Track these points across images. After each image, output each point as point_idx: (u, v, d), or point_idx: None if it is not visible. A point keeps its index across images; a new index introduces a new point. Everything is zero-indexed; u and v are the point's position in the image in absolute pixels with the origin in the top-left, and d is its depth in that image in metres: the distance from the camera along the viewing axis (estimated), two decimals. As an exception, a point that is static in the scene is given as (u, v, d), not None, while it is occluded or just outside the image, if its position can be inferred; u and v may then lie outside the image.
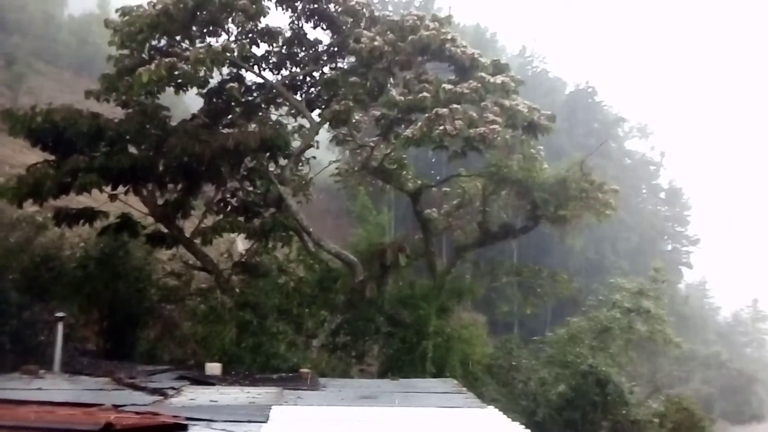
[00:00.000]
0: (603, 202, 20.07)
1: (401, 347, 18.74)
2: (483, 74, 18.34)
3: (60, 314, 13.28)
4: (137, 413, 7.62)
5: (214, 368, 13.82)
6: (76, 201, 18.22)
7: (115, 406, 8.30)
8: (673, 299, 43.11)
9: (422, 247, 21.74)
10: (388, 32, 18.72)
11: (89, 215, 18.01)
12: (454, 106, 17.09)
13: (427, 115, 17.16)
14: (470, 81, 17.97)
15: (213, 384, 12.26)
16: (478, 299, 23.85)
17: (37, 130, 16.82)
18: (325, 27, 21.07)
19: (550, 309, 34.84)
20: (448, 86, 17.75)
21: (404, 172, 22.17)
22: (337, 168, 24.00)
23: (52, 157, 17.60)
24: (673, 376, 38.32)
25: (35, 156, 18.85)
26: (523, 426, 8.79)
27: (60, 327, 12.93)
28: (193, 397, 10.45)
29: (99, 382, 11.67)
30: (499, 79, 18.32)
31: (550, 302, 25.00)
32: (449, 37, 18.66)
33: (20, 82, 47.92)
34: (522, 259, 30.11)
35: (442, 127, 16.68)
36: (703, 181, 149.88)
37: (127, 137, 17.96)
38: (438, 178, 25.05)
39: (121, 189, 17.95)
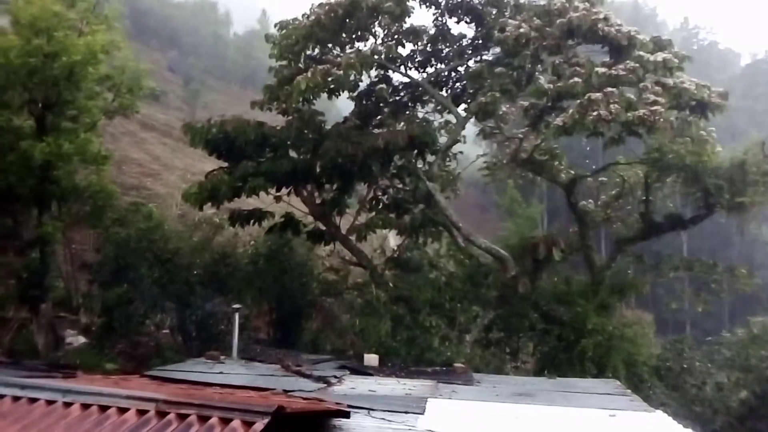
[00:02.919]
0: (791, 186, 17.63)
1: (557, 345, 18.01)
2: (641, 53, 17.00)
3: (236, 306, 14.63)
4: (304, 399, 8.20)
5: (371, 359, 14.37)
6: (246, 203, 20.00)
7: (285, 391, 8.99)
8: None
9: (578, 240, 20.69)
10: (534, 18, 18.09)
11: (258, 216, 19.69)
12: (609, 89, 16.04)
13: (579, 101, 16.30)
14: (627, 61, 16.77)
15: (371, 374, 12.75)
16: (642, 296, 22.17)
17: (212, 140, 18.75)
18: (468, 20, 20.93)
19: (728, 307, 31.39)
20: (601, 69, 16.71)
21: (556, 163, 21.24)
22: (485, 162, 23.71)
23: (225, 164, 19.52)
24: None
25: (211, 164, 21.03)
26: (699, 434, 8.05)
27: (236, 317, 14.21)
28: (353, 386, 10.96)
29: (270, 369, 12.66)
30: (659, 56, 16.88)
31: (727, 299, 22.52)
32: (601, 16, 17.54)
33: (196, 98, 53.88)
34: (695, 252, 27.45)
35: (595, 113, 15.75)
36: None
37: (288, 142, 19.37)
38: (594, 167, 23.65)
39: (284, 191, 19.41)
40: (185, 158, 34.60)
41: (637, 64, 16.62)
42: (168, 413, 5.60)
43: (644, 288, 20.68)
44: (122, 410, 5.72)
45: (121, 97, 18.48)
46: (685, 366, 19.33)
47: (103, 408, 5.80)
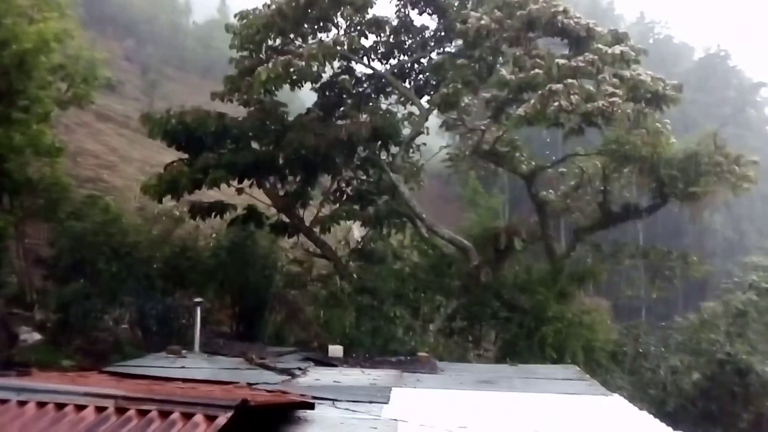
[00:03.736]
0: (740, 175, 18.34)
1: (519, 333, 18.38)
2: (600, 45, 17.37)
3: (198, 300, 14.41)
4: (268, 391, 8.16)
5: (336, 350, 14.36)
6: (207, 195, 19.66)
7: (249, 384, 8.92)
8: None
9: (538, 230, 21.11)
10: (495, 10, 18.25)
11: (220, 208, 19.39)
12: (569, 80, 16.34)
13: (540, 92, 16.55)
14: (586, 53, 17.10)
15: (335, 365, 12.76)
16: (600, 283, 22.76)
17: (171, 131, 18.35)
18: (431, 12, 21.00)
19: (681, 293, 32.51)
20: (561, 61, 16.99)
21: (517, 154, 21.59)
22: (447, 153, 23.90)
23: (185, 156, 19.15)
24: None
25: (170, 155, 20.58)
26: (653, 416, 8.35)
27: (198, 311, 13.98)
28: (317, 377, 10.96)
29: (233, 362, 12.53)
30: (617, 49, 17.26)
31: (680, 286, 23.34)
32: (560, 9, 17.81)
33: (154, 88, 52.51)
34: (650, 241, 28.31)
35: (556, 104, 16.01)
36: None
37: (250, 134, 19.11)
38: (554, 158, 24.07)
39: (246, 182, 19.15)
40: (143, 150, 33.76)
41: (596, 57, 16.97)
42: (128, 410, 5.48)
43: (602, 275, 21.23)
44: (80, 407, 5.57)
45: (75, 87, 17.95)
46: (640, 351, 19.99)
47: (60, 406, 5.63)
